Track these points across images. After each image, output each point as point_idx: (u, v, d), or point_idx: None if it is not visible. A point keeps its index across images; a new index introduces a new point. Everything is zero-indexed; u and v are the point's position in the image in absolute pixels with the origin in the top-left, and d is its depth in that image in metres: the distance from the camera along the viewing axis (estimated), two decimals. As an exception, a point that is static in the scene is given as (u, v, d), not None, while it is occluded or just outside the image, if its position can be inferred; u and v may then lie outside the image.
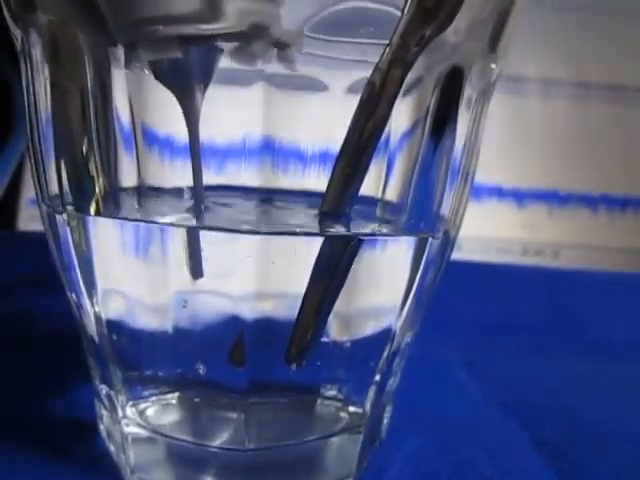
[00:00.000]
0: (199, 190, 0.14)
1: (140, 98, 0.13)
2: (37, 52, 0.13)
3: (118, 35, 0.12)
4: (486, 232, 0.36)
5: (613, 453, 0.19)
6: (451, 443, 0.19)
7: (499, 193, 0.37)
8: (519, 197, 0.37)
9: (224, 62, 0.13)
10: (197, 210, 0.14)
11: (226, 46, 0.12)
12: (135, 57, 0.12)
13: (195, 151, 0.13)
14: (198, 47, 0.12)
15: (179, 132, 0.13)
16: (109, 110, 0.13)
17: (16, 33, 0.14)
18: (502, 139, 0.37)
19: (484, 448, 0.19)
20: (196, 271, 0.14)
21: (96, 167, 0.14)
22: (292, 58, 0.12)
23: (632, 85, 0.38)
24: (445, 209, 0.15)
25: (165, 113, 0.14)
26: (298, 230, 0.14)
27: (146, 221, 0.14)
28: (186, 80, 0.13)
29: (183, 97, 0.13)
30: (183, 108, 0.13)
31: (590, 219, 0.37)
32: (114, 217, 0.14)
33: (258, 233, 0.13)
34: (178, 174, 0.14)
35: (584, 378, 0.26)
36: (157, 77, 0.13)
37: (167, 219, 0.14)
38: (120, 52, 0.13)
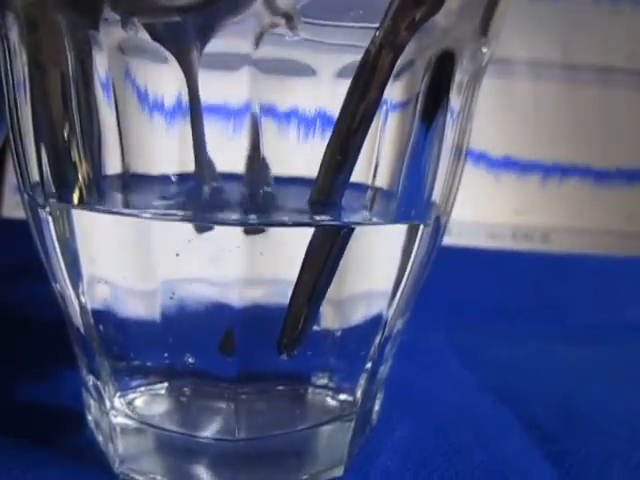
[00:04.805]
0: (201, 162, 0.13)
1: (124, 81, 0.13)
2: (14, 35, 0.13)
3: (115, 5, 0.12)
4: (474, 216, 0.36)
5: (603, 437, 0.19)
6: (442, 429, 0.19)
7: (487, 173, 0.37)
8: (508, 177, 0.37)
9: (211, 46, 0.12)
10: (199, 179, 0.13)
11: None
12: (131, 22, 0.12)
13: (196, 114, 0.13)
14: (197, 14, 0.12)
15: (165, 115, 0.13)
16: (91, 94, 0.13)
17: (-8, 16, 0.13)
18: (490, 121, 0.37)
19: (475, 433, 0.19)
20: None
21: (78, 153, 0.13)
22: (296, 26, 0.12)
23: (620, 66, 0.38)
24: (436, 195, 0.15)
25: (150, 96, 0.13)
26: (288, 220, 0.13)
27: (130, 214, 0.13)
28: (183, 40, 0.12)
29: (181, 56, 0.12)
30: (182, 67, 0.13)
31: (578, 200, 0.37)
32: (97, 209, 0.13)
33: (247, 224, 0.13)
34: (164, 160, 0.14)
35: (575, 362, 0.26)
36: (153, 37, 0.12)
37: (152, 209, 0.13)
38: (101, 35, 0.12)
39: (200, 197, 0.14)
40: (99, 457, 0.16)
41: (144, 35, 0.12)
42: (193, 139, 0.13)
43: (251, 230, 0.13)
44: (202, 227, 0.13)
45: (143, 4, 0.12)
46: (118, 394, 0.15)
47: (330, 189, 0.13)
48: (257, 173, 0.13)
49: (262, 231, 0.13)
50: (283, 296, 0.14)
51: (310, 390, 0.16)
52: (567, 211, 0.37)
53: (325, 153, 0.13)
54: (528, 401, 0.21)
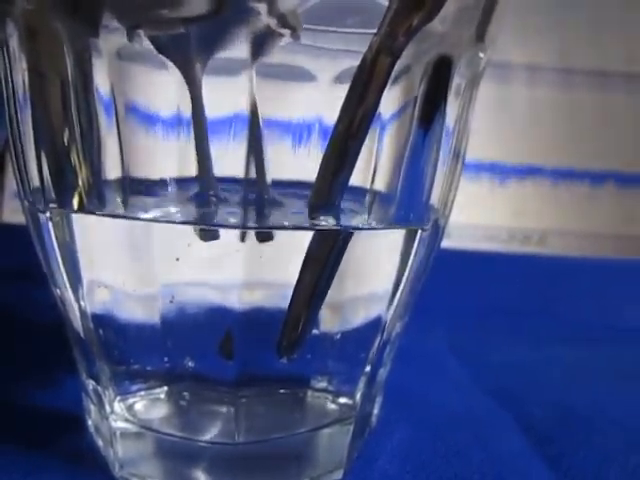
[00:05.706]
0: (204, 167, 0.13)
1: (123, 87, 0.13)
2: (14, 42, 0.13)
3: (120, 17, 0.12)
4: (472, 219, 0.36)
5: (601, 439, 0.19)
6: (441, 431, 0.19)
7: (482, 177, 0.37)
8: (506, 180, 0.37)
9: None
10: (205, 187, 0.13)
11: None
12: (136, 34, 0.12)
13: (199, 123, 0.13)
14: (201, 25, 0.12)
15: (164, 121, 0.13)
16: (91, 100, 0.13)
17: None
18: (487, 125, 0.37)
19: (474, 435, 0.19)
20: (209, 232, 0.13)
21: (78, 157, 0.13)
22: (299, 36, 0.12)
23: (616, 70, 0.38)
24: (434, 198, 0.15)
25: (149, 102, 0.13)
26: (287, 224, 0.13)
27: (130, 217, 0.13)
28: (187, 51, 0.12)
29: (185, 68, 0.13)
30: (186, 79, 0.13)
31: (574, 203, 0.37)
32: (97, 214, 0.13)
33: (245, 228, 0.13)
34: (164, 165, 0.14)
35: (572, 364, 0.26)
36: (158, 49, 0.12)
37: (152, 214, 0.13)
38: (101, 42, 0.12)
39: (200, 201, 0.14)
40: (99, 461, 0.16)
41: (147, 44, 0.12)
42: (196, 147, 0.13)
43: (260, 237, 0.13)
44: (208, 235, 0.13)
45: (148, 16, 0.12)
46: (118, 398, 0.15)
47: (329, 192, 0.13)
48: (256, 177, 0.13)
49: (270, 239, 0.13)
50: (283, 299, 0.14)
51: (309, 393, 0.16)
52: (564, 214, 0.37)
53: (324, 157, 0.13)
54: (526, 403, 0.21)
